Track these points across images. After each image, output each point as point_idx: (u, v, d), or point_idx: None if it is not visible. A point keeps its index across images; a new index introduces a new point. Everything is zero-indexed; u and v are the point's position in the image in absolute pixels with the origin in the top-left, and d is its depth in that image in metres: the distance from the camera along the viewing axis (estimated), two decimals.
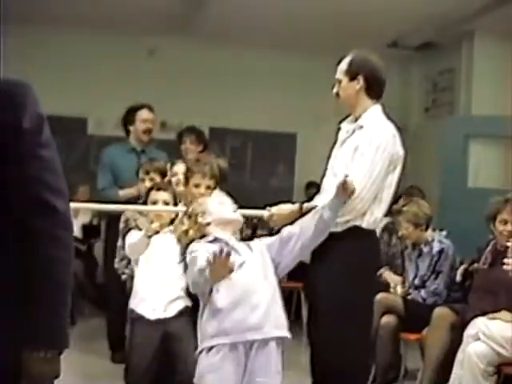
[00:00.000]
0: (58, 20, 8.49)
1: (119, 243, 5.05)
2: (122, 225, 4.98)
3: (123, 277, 5.03)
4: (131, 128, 6.21)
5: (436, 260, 5.35)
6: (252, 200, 6.20)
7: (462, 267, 5.27)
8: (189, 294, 4.18)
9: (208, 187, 4.36)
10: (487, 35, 8.25)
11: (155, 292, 4.13)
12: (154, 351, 4.09)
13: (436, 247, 5.39)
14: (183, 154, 6.30)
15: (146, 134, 6.16)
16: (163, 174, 5.01)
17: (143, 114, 6.18)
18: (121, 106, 8.67)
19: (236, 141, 9.33)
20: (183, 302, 4.16)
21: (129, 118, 6.22)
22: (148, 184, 4.83)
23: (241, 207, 4.31)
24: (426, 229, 5.45)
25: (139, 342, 4.12)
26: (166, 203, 4.31)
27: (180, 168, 5.18)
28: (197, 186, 4.33)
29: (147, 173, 4.93)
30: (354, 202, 3.55)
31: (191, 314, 4.17)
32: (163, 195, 4.35)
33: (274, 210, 3.81)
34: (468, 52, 8.48)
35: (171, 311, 4.12)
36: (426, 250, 5.43)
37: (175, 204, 4.36)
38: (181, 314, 4.13)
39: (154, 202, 4.33)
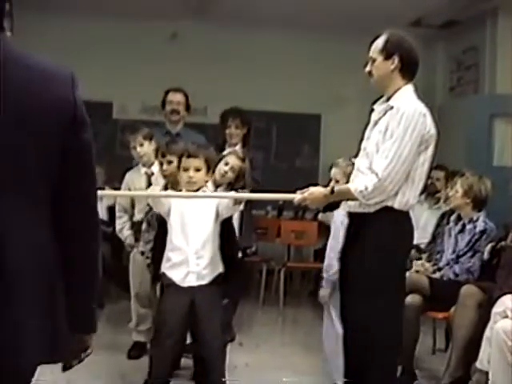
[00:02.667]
0: (82, 6, 8.53)
1: (144, 227, 5.11)
2: (146, 208, 5.08)
3: (147, 261, 5.09)
4: (164, 111, 6.44)
5: (477, 239, 5.30)
6: (277, 181, 6.25)
7: (490, 245, 5.25)
8: (223, 257, 4.33)
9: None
10: (511, 12, 8.18)
11: (188, 258, 4.21)
12: (182, 318, 4.17)
13: (480, 226, 5.33)
14: (227, 138, 6.33)
15: (174, 115, 6.32)
16: (151, 138, 5.12)
17: (169, 96, 6.39)
18: (144, 90, 8.73)
19: (261, 122, 9.33)
20: (215, 269, 4.27)
21: (162, 102, 6.44)
22: (165, 167, 4.85)
23: (268, 190, 4.35)
24: (479, 210, 5.42)
25: (168, 309, 4.21)
26: (198, 169, 4.29)
27: (233, 161, 5.24)
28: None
29: (163, 156, 4.94)
30: (385, 183, 3.57)
31: (223, 280, 4.30)
32: (194, 162, 4.30)
33: (306, 194, 3.81)
34: (492, 30, 8.42)
35: (203, 279, 4.20)
36: (469, 226, 5.37)
37: (208, 170, 4.36)
38: (212, 282, 4.23)
39: (186, 169, 4.30)
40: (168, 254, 4.26)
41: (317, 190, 3.82)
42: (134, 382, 4.78)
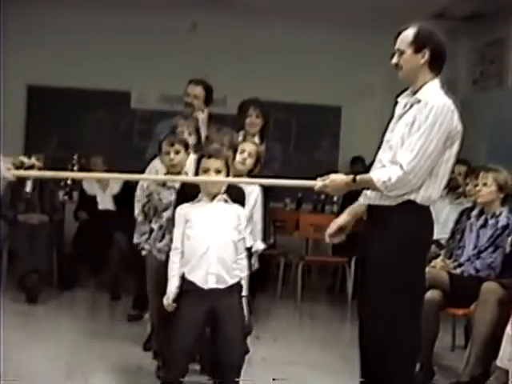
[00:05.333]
0: None
1: (140, 218, 5.00)
2: (144, 199, 4.94)
3: (143, 252, 5.00)
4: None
5: (499, 234, 5.22)
6: (296, 174, 6.17)
7: (510, 238, 5.17)
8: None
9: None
10: None
11: (210, 260, 3.94)
12: (199, 326, 3.97)
13: (502, 221, 5.25)
14: (246, 128, 6.25)
15: (188, 108, 6.25)
16: (187, 147, 4.95)
17: (188, 87, 6.33)
18: (163, 80, 8.70)
19: (280, 114, 9.26)
20: (237, 274, 4.05)
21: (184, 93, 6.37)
22: (172, 156, 4.74)
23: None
24: (503, 204, 5.34)
25: (185, 315, 3.96)
26: (218, 171, 4.04)
27: (249, 147, 5.14)
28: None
29: (172, 145, 4.81)
30: (409, 176, 3.51)
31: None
32: (215, 163, 4.04)
33: (327, 181, 3.74)
34: None
35: (224, 282, 3.97)
36: (491, 222, 5.29)
37: (228, 173, 4.12)
38: (232, 288, 4.00)
39: (206, 171, 4.05)
40: (188, 254, 4.01)
41: (338, 178, 3.76)
42: (150, 373, 4.74)
